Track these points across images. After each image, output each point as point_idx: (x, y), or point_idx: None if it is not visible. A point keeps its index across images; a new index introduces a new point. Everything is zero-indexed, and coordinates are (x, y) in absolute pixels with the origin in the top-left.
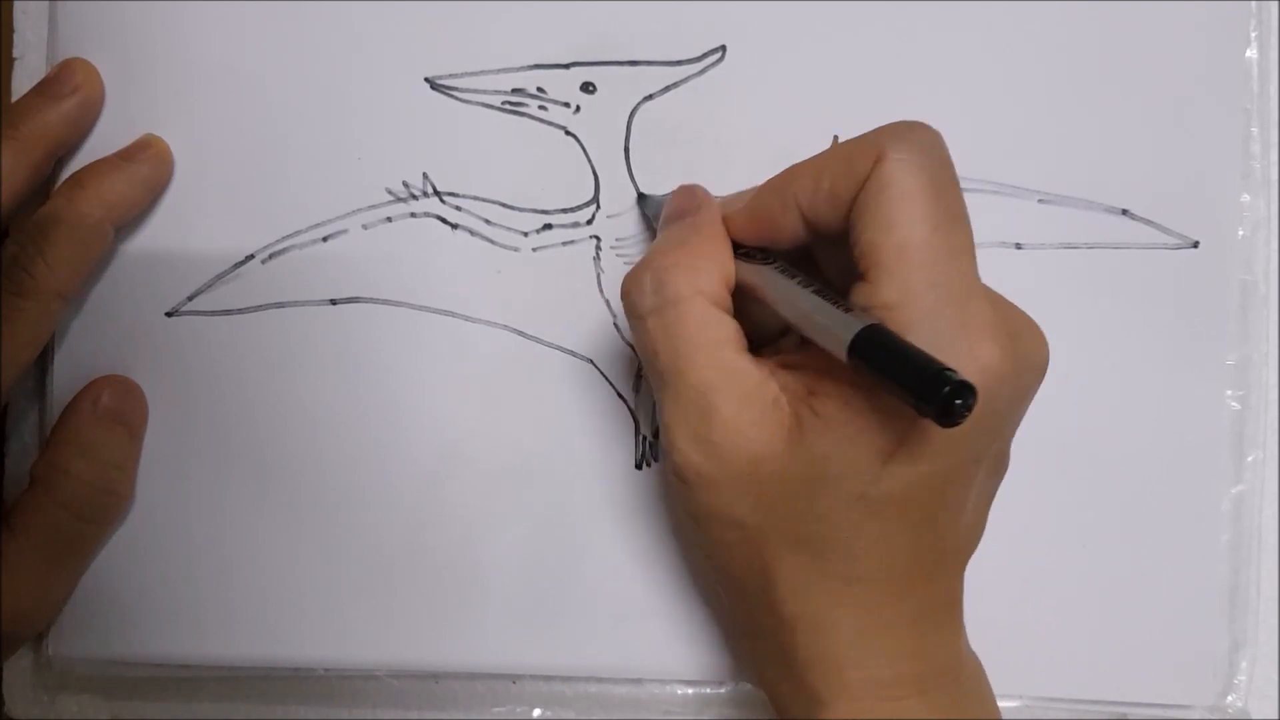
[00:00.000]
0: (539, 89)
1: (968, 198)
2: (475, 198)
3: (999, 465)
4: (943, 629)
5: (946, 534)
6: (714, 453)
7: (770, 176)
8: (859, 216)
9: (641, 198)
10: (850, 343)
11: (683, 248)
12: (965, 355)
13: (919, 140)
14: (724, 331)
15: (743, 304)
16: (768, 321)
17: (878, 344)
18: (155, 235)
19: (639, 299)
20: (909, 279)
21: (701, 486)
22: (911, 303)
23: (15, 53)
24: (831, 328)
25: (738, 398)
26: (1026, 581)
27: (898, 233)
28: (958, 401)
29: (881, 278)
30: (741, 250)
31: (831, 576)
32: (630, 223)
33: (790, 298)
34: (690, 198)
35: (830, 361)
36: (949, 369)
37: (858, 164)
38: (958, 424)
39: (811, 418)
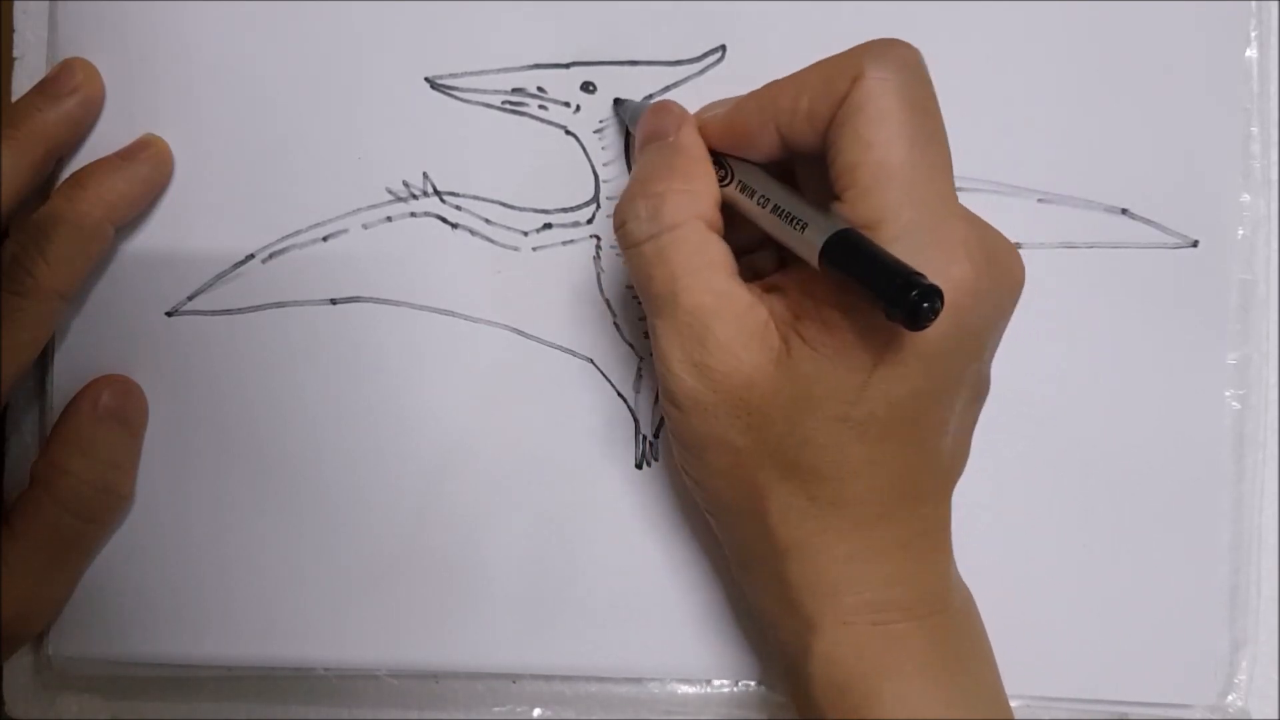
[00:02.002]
0: (539, 89)
1: (967, 197)
2: (475, 197)
3: (979, 389)
4: (933, 555)
5: (930, 457)
6: (708, 376)
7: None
8: (836, 136)
9: (618, 103)
10: (822, 247)
11: (673, 173)
12: (939, 272)
13: (899, 58)
14: (718, 254)
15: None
16: (739, 235)
17: (850, 248)
18: (155, 235)
19: (635, 227)
20: (886, 198)
21: (696, 411)
22: (888, 221)
23: (15, 53)
24: (804, 233)
25: (731, 321)
26: (1027, 581)
27: (875, 152)
28: (925, 305)
29: (858, 197)
30: (715, 156)
31: (820, 501)
32: None
33: (763, 201)
34: (666, 115)
35: (810, 282)
36: (918, 273)
37: (836, 82)
38: (924, 327)
39: (797, 341)
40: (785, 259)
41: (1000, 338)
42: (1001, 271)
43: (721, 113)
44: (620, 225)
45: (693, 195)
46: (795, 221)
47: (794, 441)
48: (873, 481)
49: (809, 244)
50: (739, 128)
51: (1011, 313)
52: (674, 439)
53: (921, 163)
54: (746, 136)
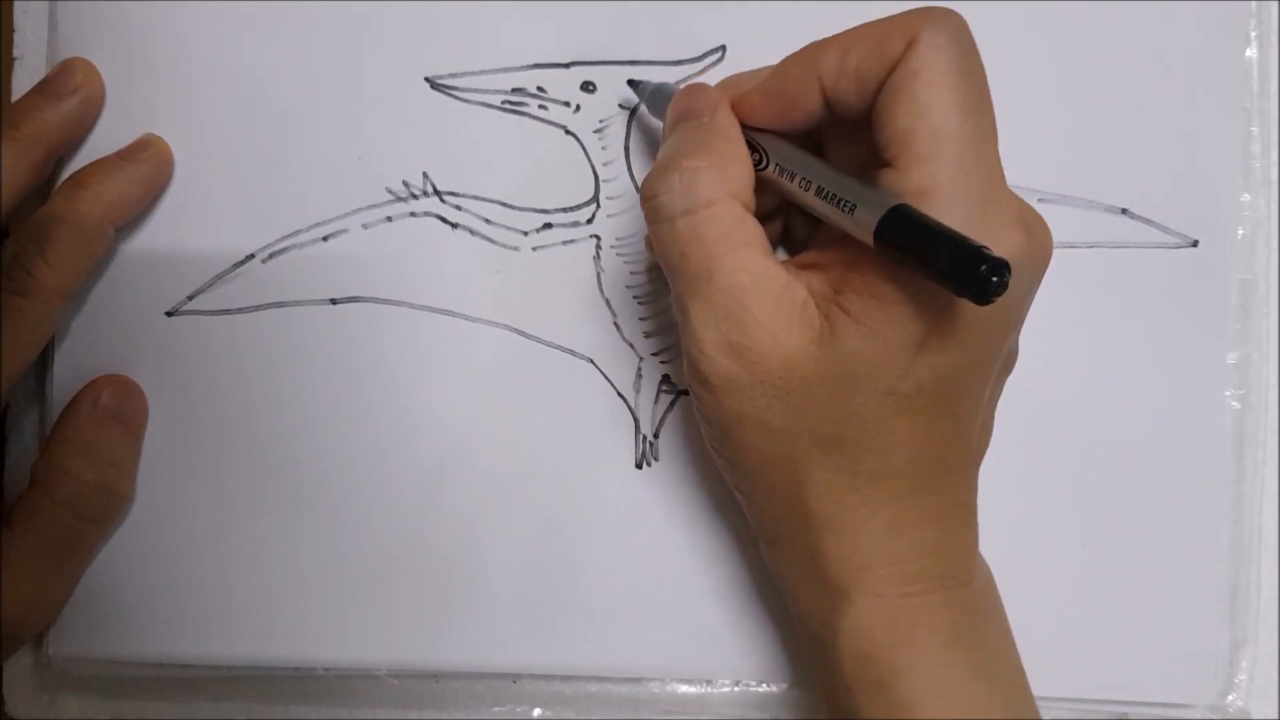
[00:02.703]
0: (539, 88)
1: None
2: (475, 197)
3: (1011, 359)
4: (962, 527)
5: (966, 429)
6: (745, 357)
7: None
8: (889, 100)
9: (633, 83)
10: (878, 224)
11: (708, 151)
12: (995, 243)
13: (952, 25)
14: (753, 233)
15: None
16: (762, 213)
17: (907, 224)
18: (155, 235)
19: (669, 200)
20: (940, 166)
21: (729, 392)
22: (942, 190)
23: (15, 53)
24: (855, 214)
25: (769, 301)
26: (1027, 581)
27: (931, 119)
28: (994, 279)
29: (911, 163)
30: (748, 140)
31: (861, 475)
32: (630, 222)
33: (805, 183)
34: (701, 96)
35: (853, 257)
36: (983, 246)
37: (891, 44)
38: (993, 301)
39: (841, 317)
40: (790, 230)
41: (1029, 308)
42: (1038, 242)
43: (759, 80)
44: (651, 197)
45: (726, 171)
46: (843, 203)
47: (838, 417)
48: (913, 453)
49: (860, 224)
50: (780, 91)
51: (1040, 283)
52: (703, 419)
53: (974, 132)
54: (788, 101)
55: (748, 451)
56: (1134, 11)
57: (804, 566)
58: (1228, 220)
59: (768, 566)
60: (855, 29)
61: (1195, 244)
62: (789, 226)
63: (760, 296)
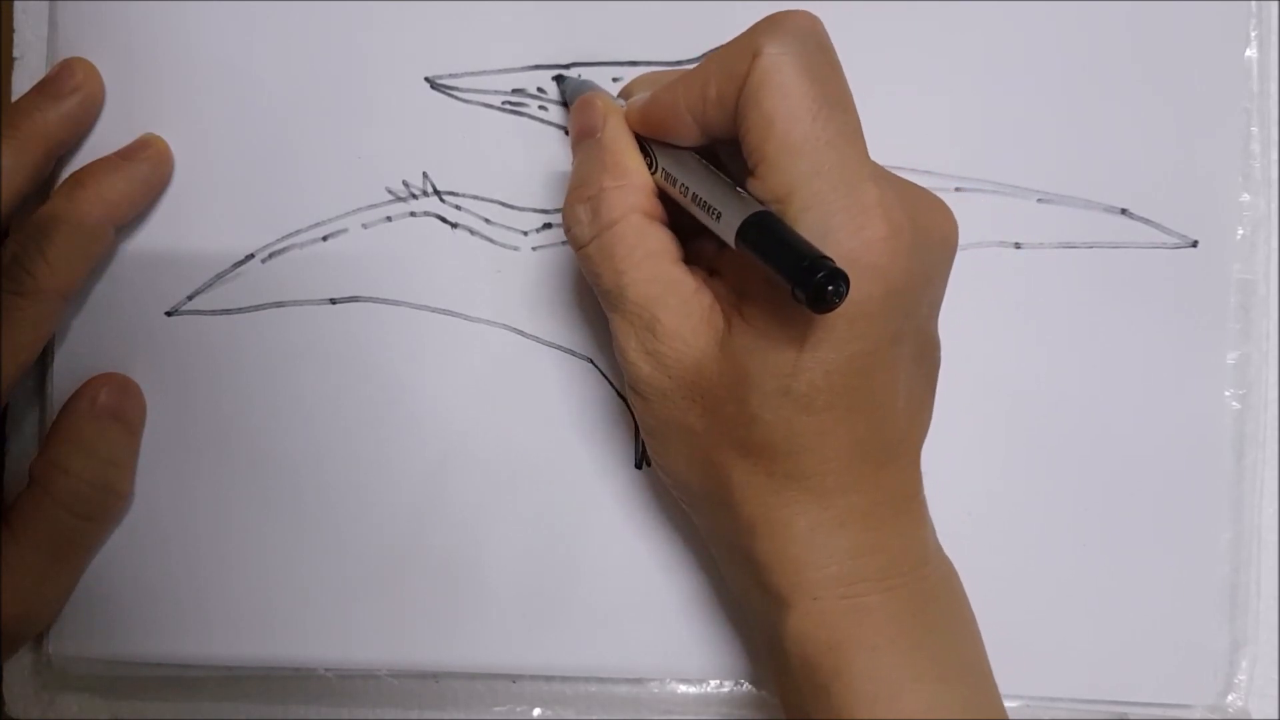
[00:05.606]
0: (539, 89)
1: (967, 197)
2: (475, 197)
3: (924, 347)
4: (899, 521)
5: (883, 421)
6: (662, 363)
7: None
8: (743, 116)
9: (559, 79)
10: (738, 230)
11: (604, 170)
12: (853, 236)
13: (794, 30)
14: (658, 243)
15: None
16: (687, 218)
17: (763, 231)
18: (155, 235)
19: (579, 231)
20: (794, 171)
21: (655, 398)
22: (798, 194)
23: (15, 53)
24: (720, 221)
25: (678, 307)
26: (1026, 581)
27: (779, 126)
28: (830, 288)
29: (768, 172)
30: (642, 144)
31: (778, 476)
32: None
33: (684, 189)
34: (592, 111)
35: (744, 260)
36: (825, 257)
37: (736, 64)
38: (829, 310)
39: (738, 320)
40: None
41: (940, 295)
42: (925, 227)
43: (639, 104)
44: (567, 231)
45: (625, 190)
46: (711, 210)
47: (744, 420)
48: (826, 452)
49: (727, 229)
50: (656, 120)
51: (947, 268)
52: (641, 428)
53: (825, 133)
54: (665, 127)
55: (679, 458)
56: (1134, 11)
57: (746, 573)
58: (1227, 220)
59: (725, 580)
60: (709, 57)
61: (1195, 244)
62: None
63: (667, 304)
